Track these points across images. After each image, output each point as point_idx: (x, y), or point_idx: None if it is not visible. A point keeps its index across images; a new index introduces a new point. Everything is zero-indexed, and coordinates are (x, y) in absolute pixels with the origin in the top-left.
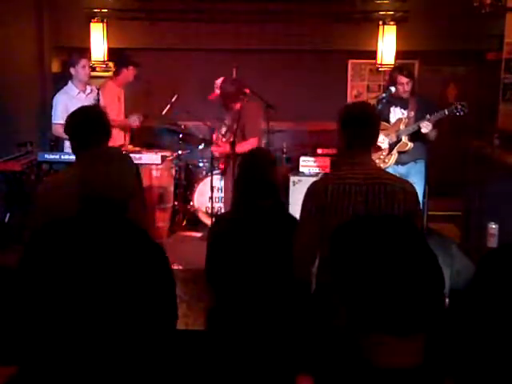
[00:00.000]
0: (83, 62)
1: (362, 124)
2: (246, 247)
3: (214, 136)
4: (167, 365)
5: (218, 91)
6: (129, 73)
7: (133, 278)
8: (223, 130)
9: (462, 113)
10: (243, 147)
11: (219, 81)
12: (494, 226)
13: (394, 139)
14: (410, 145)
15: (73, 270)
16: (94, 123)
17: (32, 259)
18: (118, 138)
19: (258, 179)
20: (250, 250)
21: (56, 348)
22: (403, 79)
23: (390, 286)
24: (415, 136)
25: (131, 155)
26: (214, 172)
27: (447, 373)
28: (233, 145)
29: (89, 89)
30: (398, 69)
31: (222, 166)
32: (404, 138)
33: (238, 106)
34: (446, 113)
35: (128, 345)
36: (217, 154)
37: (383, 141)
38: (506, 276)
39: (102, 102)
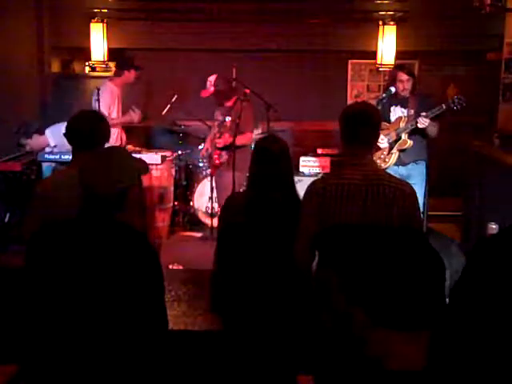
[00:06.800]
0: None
1: (362, 123)
2: (257, 240)
3: (212, 133)
4: (162, 365)
5: (212, 88)
6: (130, 75)
7: (125, 281)
8: (216, 125)
9: (459, 106)
10: (240, 140)
11: (212, 78)
12: (493, 226)
13: (394, 138)
14: (410, 142)
15: (69, 272)
16: (92, 129)
17: (31, 260)
18: (115, 139)
19: (271, 170)
20: (261, 243)
21: (55, 347)
22: (404, 76)
23: (397, 284)
24: (414, 133)
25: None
26: None
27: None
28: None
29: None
30: (398, 66)
31: (212, 171)
32: (404, 136)
33: (229, 103)
34: (444, 107)
35: (121, 345)
36: (221, 145)
37: (382, 140)
38: (499, 264)
39: (102, 102)
